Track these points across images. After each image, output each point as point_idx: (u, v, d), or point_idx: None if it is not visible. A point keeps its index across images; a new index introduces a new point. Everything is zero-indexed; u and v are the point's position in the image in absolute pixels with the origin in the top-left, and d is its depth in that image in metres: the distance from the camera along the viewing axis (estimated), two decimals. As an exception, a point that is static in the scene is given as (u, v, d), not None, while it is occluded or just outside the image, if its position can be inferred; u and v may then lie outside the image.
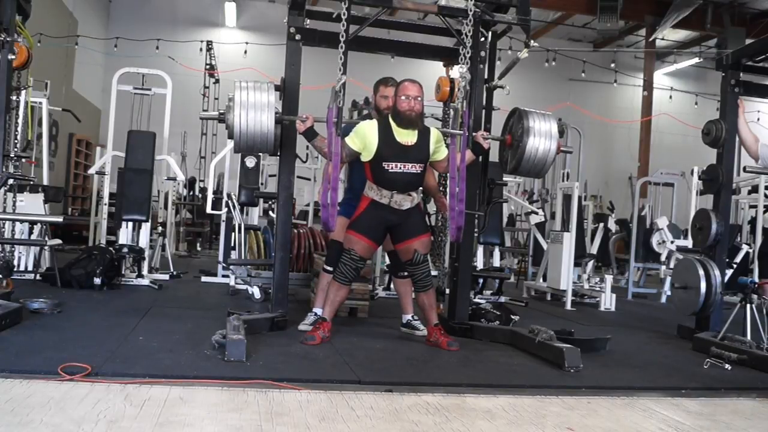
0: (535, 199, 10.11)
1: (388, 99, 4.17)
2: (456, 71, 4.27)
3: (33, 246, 6.00)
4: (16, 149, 5.07)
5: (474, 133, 3.98)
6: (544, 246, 7.03)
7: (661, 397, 3.06)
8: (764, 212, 6.56)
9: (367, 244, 3.92)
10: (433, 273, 4.82)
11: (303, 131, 3.80)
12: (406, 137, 3.85)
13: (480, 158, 4.31)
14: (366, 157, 3.87)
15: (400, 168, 3.84)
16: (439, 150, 3.96)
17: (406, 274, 4.20)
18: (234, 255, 6.04)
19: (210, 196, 6.57)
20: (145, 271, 6.14)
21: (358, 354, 3.56)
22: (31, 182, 6.00)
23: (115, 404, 2.37)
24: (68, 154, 12.69)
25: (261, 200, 7.15)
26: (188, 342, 3.54)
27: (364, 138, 3.83)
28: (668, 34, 14.93)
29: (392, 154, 3.83)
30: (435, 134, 3.95)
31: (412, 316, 4.28)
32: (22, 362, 2.88)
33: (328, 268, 4.17)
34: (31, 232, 6.05)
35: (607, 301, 6.40)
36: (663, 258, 7.45)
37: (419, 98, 3.84)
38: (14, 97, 4.96)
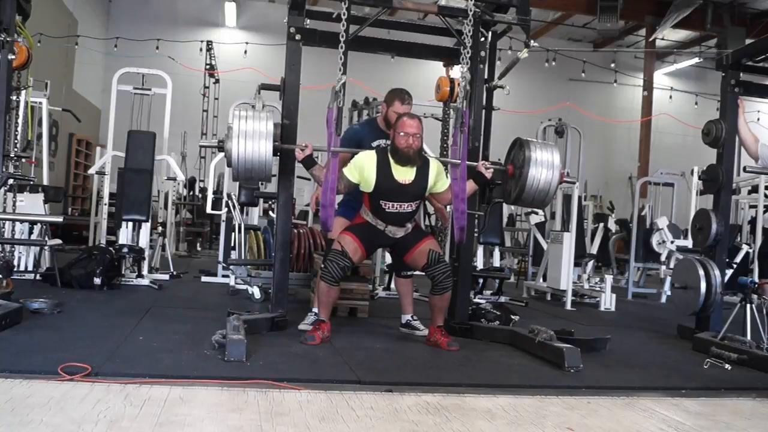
0: (535, 199, 10.08)
1: None
2: (456, 71, 4.27)
3: (33, 246, 6.00)
4: (16, 149, 5.08)
5: (476, 163, 3.96)
6: (544, 246, 7.03)
7: (661, 397, 3.06)
8: (764, 212, 6.56)
9: (359, 247, 3.89)
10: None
11: (302, 159, 3.80)
12: (404, 175, 3.83)
13: (479, 155, 4.32)
14: (364, 188, 3.87)
15: (396, 208, 3.87)
16: (439, 182, 3.95)
17: (409, 273, 4.20)
18: (234, 255, 6.03)
19: (210, 196, 6.57)
20: (145, 271, 6.14)
21: (358, 354, 3.56)
22: (31, 182, 6.00)
23: (115, 404, 2.37)
24: (68, 154, 12.70)
25: (261, 200, 7.15)
26: (188, 342, 3.54)
27: (363, 171, 3.82)
28: (668, 34, 14.93)
29: (390, 192, 3.83)
30: (434, 167, 3.92)
31: (412, 316, 4.28)
32: (22, 362, 2.88)
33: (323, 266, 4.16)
34: (31, 232, 6.05)
35: (607, 301, 6.39)
36: (663, 258, 7.44)
37: (418, 135, 3.80)
38: (14, 97, 4.96)
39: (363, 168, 3.82)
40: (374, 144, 4.37)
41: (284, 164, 4.10)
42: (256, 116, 3.76)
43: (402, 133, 3.78)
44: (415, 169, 3.84)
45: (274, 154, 3.79)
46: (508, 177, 4.18)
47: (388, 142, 4.15)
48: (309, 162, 3.79)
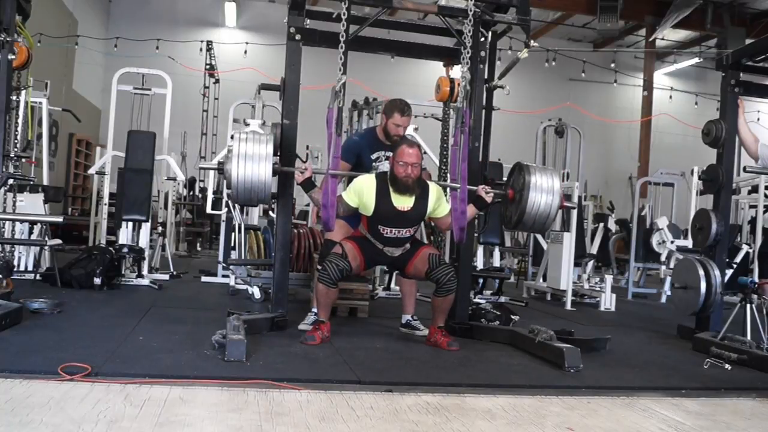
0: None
1: (400, 128, 4.20)
2: (456, 71, 4.27)
3: (33, 246, 6.00)
4: (16, 149, 5.07)
5: (476, 188, 3.96)
6: (544, 246, 7.03)
7: (661, 397, 3.06)
8: (764, 212, 6.56)
9: (358, 255, 3.90)
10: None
11: (301, 182, 3.81)
12: (403, 202, 3.83)
13: (479, 155, 4.33)
14: (363, 212, 3.88)
15: (395, 233, 3.89)
16: (439, 207, 3.95)
17: None
18: (234, 255, 6.04)
19: (210, 196, 6.57)
20: (145, 271, 6.14)
21: (358, 354, 3.56)
22: (31, 182, 6.00)
23: (115, 404, 2.38)
24: (68, 154, 12.70)
25: (261, 200, 7.14)
26: (188, 342, 3.55)
27: (362, 196, 3.83)
28: (668, 34, 14.93)
29: (389, 218, 3.84)
30: (434, 192, 3.93)
31: (412, 316, 4.28)
32: (22, 362, 2.88)
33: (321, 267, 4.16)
34: (31, 232, 6.05)
35: (607, 301, 6.40)
36: (663, 258, 7.44)
37: (417, 164, 3.78)
38: (14, 97, 4.96)
39: (362, 193, 3.83)
40: (374, 156, 4.37)
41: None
42: (255, 138, 3.76)
43: (401, 163, 3.76)
44: (414, 196, 3.84)
45: (273, 176, 3.80)
46: (509, 201, 4.17)
47: (388, 153, 4.15)
48: (308, 185, 3.80)
